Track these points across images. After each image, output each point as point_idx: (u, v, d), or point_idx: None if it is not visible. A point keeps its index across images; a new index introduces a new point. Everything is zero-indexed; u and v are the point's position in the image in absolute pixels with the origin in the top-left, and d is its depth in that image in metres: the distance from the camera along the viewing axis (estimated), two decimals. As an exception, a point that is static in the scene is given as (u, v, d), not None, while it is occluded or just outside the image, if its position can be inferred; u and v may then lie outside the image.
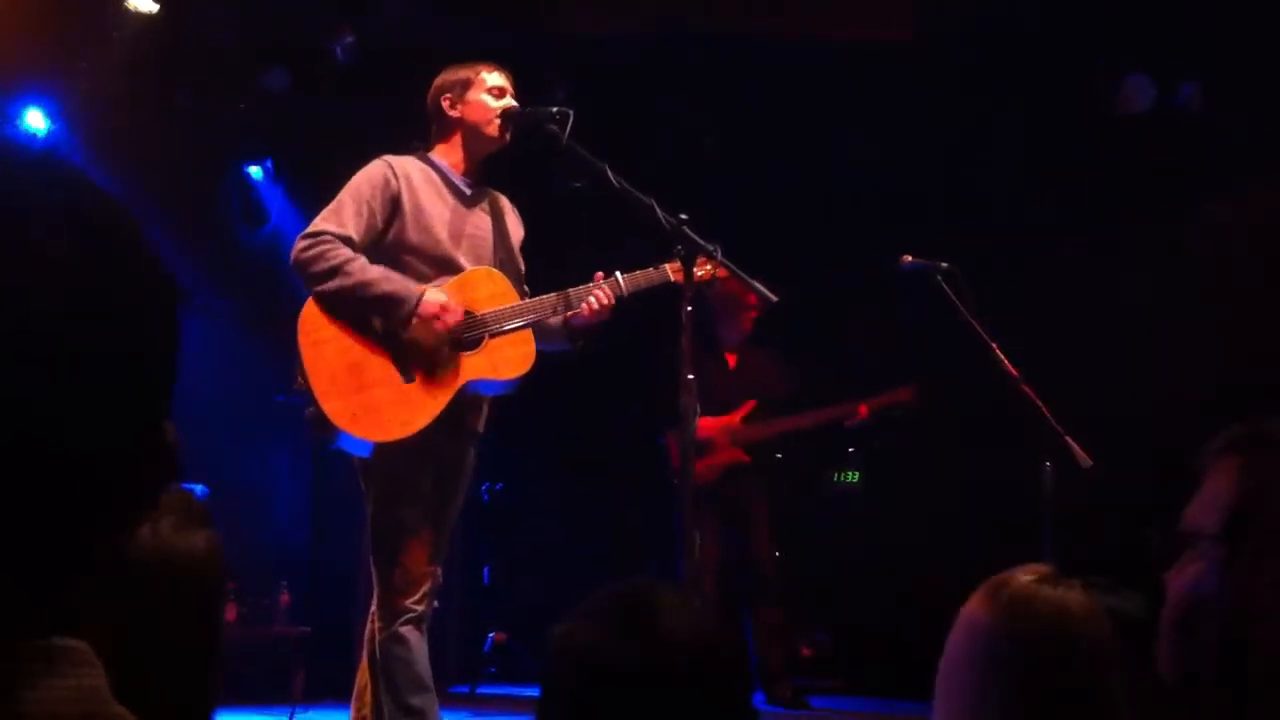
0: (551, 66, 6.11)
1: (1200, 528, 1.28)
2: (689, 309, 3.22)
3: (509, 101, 3.72)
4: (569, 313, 3.71)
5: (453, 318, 3.50)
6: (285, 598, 6.55)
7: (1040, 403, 3.96)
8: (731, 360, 6.24)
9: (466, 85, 3.73)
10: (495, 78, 3.74)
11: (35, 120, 6.45)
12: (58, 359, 0.65)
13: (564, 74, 6.13)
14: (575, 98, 6.04)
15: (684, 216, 3.30)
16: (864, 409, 5.97)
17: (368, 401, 3.44)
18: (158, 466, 0.72)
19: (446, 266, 3.63)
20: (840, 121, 6.66)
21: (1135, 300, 6.37)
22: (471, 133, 3.74)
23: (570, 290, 3.70)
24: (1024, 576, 1.48)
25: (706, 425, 5.94)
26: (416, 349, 3.52)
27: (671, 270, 3.69)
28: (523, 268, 3.83)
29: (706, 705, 1.27)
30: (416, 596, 3.51)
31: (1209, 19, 5.98)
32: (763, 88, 6.61)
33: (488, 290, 3.65)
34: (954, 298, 4.07)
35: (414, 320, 3.47)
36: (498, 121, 3.69)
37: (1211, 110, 6.27)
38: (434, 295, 3.50)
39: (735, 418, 6.05)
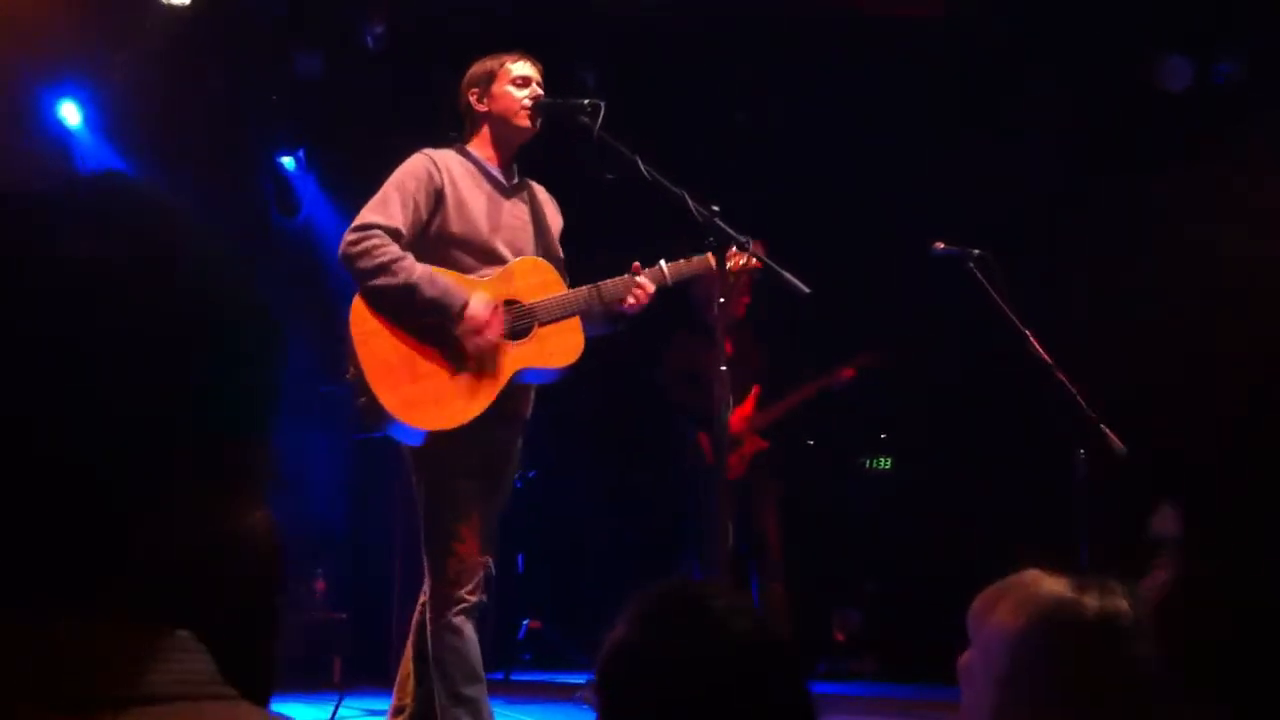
0: (583, 48, 6.10)
1: (1165, 533, 1.25)
2: (721, 300, 3.21)
3: (535, 90, 3.68)
4: (611, 301, 3.68)
5: (493, 332, 3.49)
6: (321, 584, 6.60)
7: (1074, 389, 3.94)
8: (730, 348, 6.12)
9: (491, 78, 3.69)
10: (520, 67, 3.69)
11: (69, 112, 6.50)
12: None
13: (596, 55, 6.12)
14: (606, 80, 6.07)
15: (715, 208, 3.28)
16: (849, 371, 6.02)
17: (422, 392, 3.46)
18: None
19: (489, 257, 3.62)
20: (872, 98, 6.61)
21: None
22: (499, 125, 3.70)
23: (603, 283, 3.68)
24: (1054, 585, 1.44)
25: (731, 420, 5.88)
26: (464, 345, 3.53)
27: (713, 258, 3.64)
28: (562, 257, 3.81)
29: (766, 702, 1.27)
30: (470, 586, 3.50)
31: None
32: (793, 65, 6.57)
33: (536, 279, 3.65)
34: (986, 285, 4.05)
35: (457, 326, 3.48)
36: (524, 111, 3.66)
37: (1252, 88, 6.20)
38: (478, 306, 3.47)
39: (749, 407, 5.93)
